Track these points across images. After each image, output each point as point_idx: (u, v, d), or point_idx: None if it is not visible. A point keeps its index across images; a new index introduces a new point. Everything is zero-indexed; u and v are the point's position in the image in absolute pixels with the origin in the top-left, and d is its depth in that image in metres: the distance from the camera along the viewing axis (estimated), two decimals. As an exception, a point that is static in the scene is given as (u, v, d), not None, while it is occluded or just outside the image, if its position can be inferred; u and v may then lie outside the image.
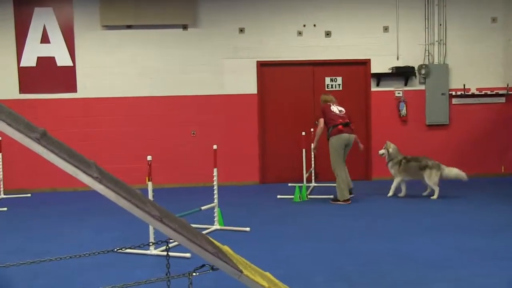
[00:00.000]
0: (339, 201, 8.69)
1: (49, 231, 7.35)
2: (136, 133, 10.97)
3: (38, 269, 5.07)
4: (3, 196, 9.87)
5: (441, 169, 8.95)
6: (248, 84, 11.09)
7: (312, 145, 8.96)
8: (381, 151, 9.47)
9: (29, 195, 10.14)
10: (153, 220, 2.73)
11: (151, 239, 5.73)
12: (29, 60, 10.72)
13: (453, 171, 9.01)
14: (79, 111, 10.85)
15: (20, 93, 10.69)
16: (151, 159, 5.83)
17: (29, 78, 10.74)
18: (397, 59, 11.21)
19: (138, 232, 6.58)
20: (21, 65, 10.71)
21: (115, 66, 10.91)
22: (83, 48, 10.83)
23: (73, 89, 10.84)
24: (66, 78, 10.79)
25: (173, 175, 10.98)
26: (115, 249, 5.30)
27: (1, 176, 10.04)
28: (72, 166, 2.74)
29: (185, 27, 11.00)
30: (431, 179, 8.93)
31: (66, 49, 10.77)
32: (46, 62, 10.75)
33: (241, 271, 2.77)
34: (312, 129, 10.67)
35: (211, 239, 3.22)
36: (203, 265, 2.85)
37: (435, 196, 8.94)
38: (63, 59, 10.78)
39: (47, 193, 10.52)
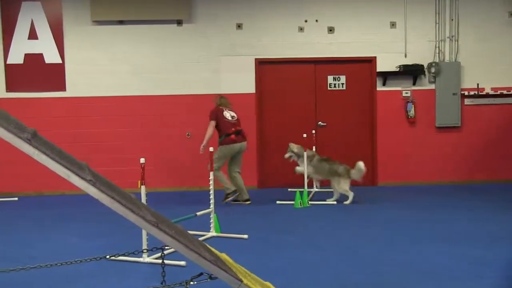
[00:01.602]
0: (228, 196, 9.34)
1: (35, 236, 7.38)
2: (128, 134, 11.01)
3: (22, 277, 5.09)
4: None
5: (351, 175, 9.26)
6: (246, 83, 11.14)
7: (201, 146, 9.29)
8: (287, 155, 9.84)
9: (16, 198, 10.17)
10: (148, 225, 2.77)
11: (144, 246, 5.76)
12: (16, 57, 10.77)
13: (356, 170, 9.19)
14: (68, 111, 10.88)
15: (7, 91, 10.73)
16: (144, 161, 5.87)
17: (16, 76, 10.78)
18: (405, 56, 11.26)
19: (128, 239, 6.62)
20: (7, 62, 10.76)
21: (106, 64, 10.95)
22: (73, 44, 10.88)
23: (62, 87, 10.88)
24: (54, 76, 10.84)
25: (167, 179, 11.02)
26: (107, 256, 5.34)
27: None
28: (65, 168, 2.77)
29: (179, 22, 11.05)
30: (340, 186, 9.33)
31: (55, 46, 10.82)
32: (34, 59, 10.80)
33: (240, 280, 2.81)
34: (313, 131, 10.72)
35: (208, 246, 3.26)
36: (201, 274, 2.88)
37: (347, 202, 9.23)
38: (51, 56, 10.83)
39: (34, 197, 10.55)
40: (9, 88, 10.76)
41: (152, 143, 11.00)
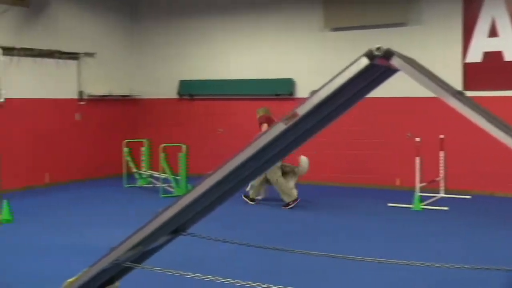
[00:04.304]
0: (289, 204, 9.63)
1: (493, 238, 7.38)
2: None
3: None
4: (443, 195, 10.25)
5: (296, 173, 9.85)
6: None
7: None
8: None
9: (469, 197, 10.27)
10: None
11: None
12: (474, 55, 10.81)
13: (300, 167, 9.88)
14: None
15: (464, 89, 10.87)
16: None
17: (474, 75, 10.83)
18: None
19: None
20: (466, 61, 10.88)
21: None
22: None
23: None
24: (514, 73, 10.53)
25: None
26: None
27: (443, 175, 10.42)
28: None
29: None
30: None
31: (517, 42, 10.50)
32: (492, 57, 10.67)
33: None
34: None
35: None
36: None
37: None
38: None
39: (485, 197, 10.46)
40: (467, 87, 10.86)
41: None
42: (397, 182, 11.37)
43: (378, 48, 3.07)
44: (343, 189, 11.50)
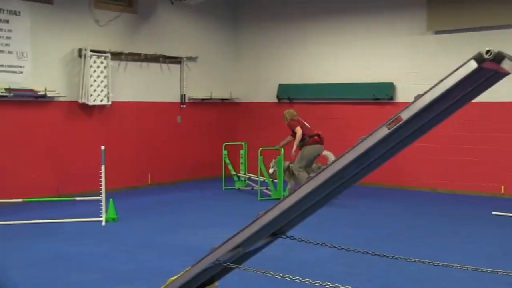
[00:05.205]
0: None
1: None
2: None
3: None
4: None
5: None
6: None
7: (293, 150, 10.52)
8: (271, 170, 10.78)
9: None
10: None
11: None
12: None
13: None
14: None
15: None
16: None
17: None
18: None
19: None
20: None
21: None
22: None
23: None
24: None
25: None
26: None
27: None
28: None
29: None
30: None
31: None
32: None
33: None
34: None
35: None
36: None
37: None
38: None
39: None
40: None
41: None
42: (502, 190, 10.91)
43: (488, 51, 2.95)
44: (445, 195, 11.16)
